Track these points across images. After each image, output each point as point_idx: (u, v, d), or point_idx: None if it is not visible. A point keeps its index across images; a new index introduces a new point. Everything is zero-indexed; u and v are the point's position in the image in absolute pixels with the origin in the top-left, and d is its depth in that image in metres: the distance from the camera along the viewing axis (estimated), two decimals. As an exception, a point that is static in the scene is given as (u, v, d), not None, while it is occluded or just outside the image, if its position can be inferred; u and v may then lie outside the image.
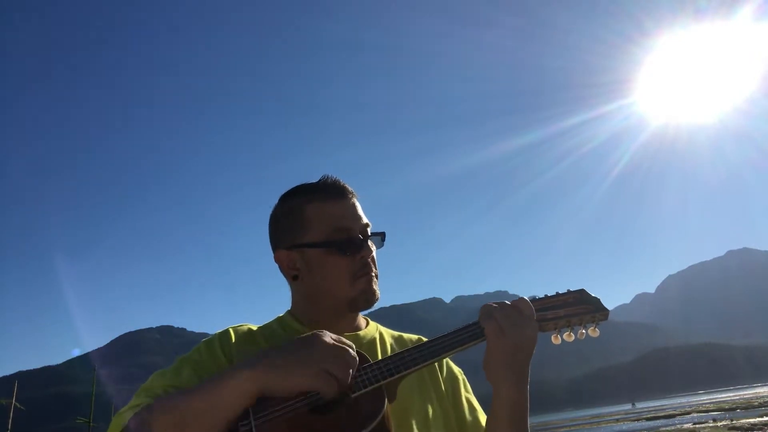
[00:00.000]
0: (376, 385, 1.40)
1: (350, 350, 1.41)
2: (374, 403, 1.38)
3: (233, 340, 1.58)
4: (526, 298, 1.54)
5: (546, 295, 1.59)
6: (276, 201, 1.71)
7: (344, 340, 1.43)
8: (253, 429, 1.32)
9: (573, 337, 1.54)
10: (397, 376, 1.43)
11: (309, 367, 1.35)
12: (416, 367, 1.45)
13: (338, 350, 1.39)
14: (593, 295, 1.57)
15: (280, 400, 1.36)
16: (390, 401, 1.41)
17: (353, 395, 1.38)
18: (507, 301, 1.52)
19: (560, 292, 1.59)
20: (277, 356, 1.38)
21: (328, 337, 1.41)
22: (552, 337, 1.53)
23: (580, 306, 1.55)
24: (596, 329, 1.53)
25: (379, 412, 1.36)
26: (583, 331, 1.53)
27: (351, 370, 1.38)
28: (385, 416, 1.37)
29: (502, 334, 1.46)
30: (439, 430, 1.60)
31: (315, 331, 1.44)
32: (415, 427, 1.54)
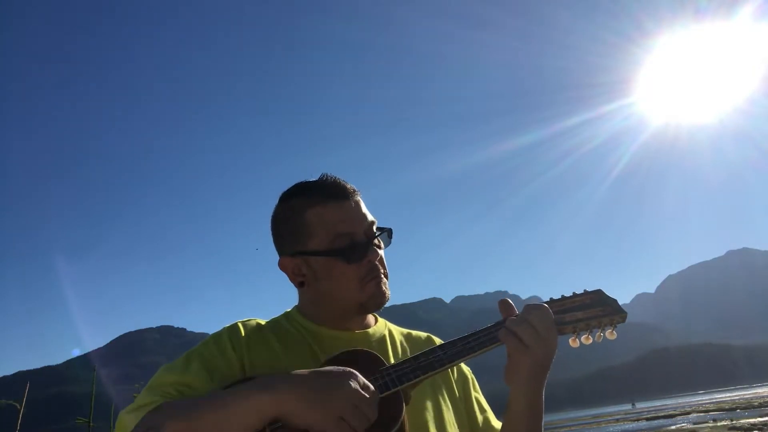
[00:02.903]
0: (394, 390, 1.38)
1: (373, 403, 1.35)
2: (393, 408, 1.36)
3: (242, 334, 1.55)
4: (545, 305, 1.47)
5: (563, 296, 1.55)
6: (275, 201, 1.66)
7: (370, 386, 1.36)
8: None
9: (591, 340, 1.50)
10: (414, 381, 1.41)
11: (330, 410, 1.30)
12: (434, 372, 1.43)
13: (362, 400, 1.33)
14: (610, 296, 1.53)
15: None
16: (406, 404, 1.40)
17: None
18: (531, 310, 1.45)
19: (577, 292, 1.56)
20: (301, 386, 1.33)
21: (356, 381, 1.35)
22: (570, 341, 1.50)
23: (598, 308, 1.51)
24: (614, 332, 1.50)
25: (399, 416, 1.35)
26: (601, 333, 1.50)
27: (368, 423, 1.34)
28: (403, 422, 1.36)
29: (526, 349, 1.42)
30: (453, 430, 1.58)
31: (346, 370, 1.37)
32: (431, 427, 1.53)
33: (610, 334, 1.50)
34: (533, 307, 1.47)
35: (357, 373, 1.37)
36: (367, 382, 1.37)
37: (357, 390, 1.33)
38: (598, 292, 1.54)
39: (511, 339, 1.43)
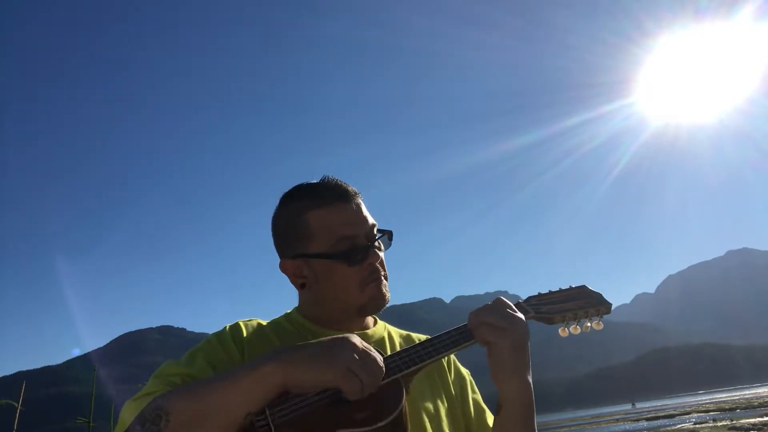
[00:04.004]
0: (394, 377, 1.40)
1: (378, 360, 1.36)
2: (394, 395, 1.37)
3: (244, 333, 1.58)
4: (502, 297, 1.53)
5: (550, 291, 1.62)
6: (276, 201, 1.65)
7: (372, 349, 1.38)
8: (271, 424, 1.29)
9: (579, 330, 1.56)
10: (413, 368, 1.43)
11: (336, 365, 1.31)
12: (432, 359, 1.45)
13: (367, 355, 1.35)
14: (595, 290, 1.62)
15: (296, 395, 1.33)
16: (406, 393, 1.41)
17: None
18: (488, 302, 1.51)
19: (563, 287, 1.63)
20: (304, 351, 1.35)
21: (358, 340, 1.38)
22: (559, 330, 1.56)
23: (583, 300, 1.59)
24: (600, 322, 1.58)
25: (400, 402, 1.36)
26: (588, 324, 1.57)
27: (376, 379, 1.34)
28: (404, 408, 1.37)
29: (503, 332, 1.44)
30: (449, 428, 1.60)
31: (346, 335, 1.39)
32: (427, 424, 1.55)
33: (597, 325, 1.57)
34: (492, 301, 1.52)
35: (353, 335, 1.39)
36: (364, 342, 1.38)
37: (358, 344, 1.36)
38: (583, 287, 1.63)
39: (483, 327, 1.45)
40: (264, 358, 1.34)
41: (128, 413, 1.36)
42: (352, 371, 1.31)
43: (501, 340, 1.44)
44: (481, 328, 1.45)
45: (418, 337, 1.76)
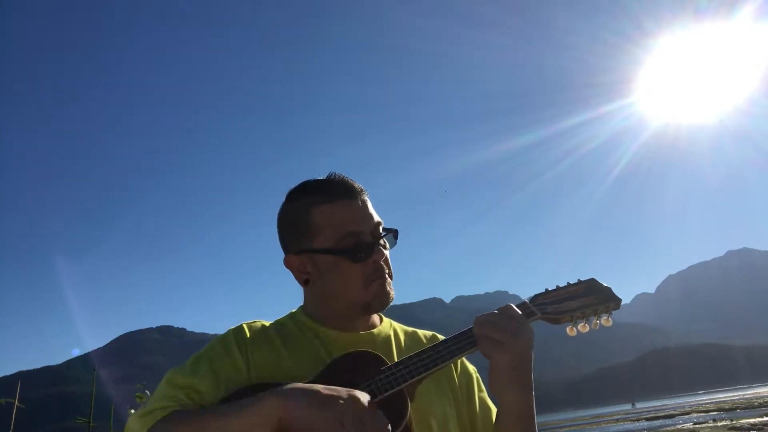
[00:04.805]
0: (398, 388, 1.40)
1: (373, 417, 1.32)
2: (399, 406, 1.38)
3: (248, 335, 1.57)
4: (511, 304, 1.50)
5: (557, 287, 1.57)
6: (277, 200, 1.65)
7: (375, 410, 1.34)
8: None
9: (588, 328, 1.52)
10: (417, 378, 1.43)
11: (330, 414, 1.30)
12: (438, 367, 1.45)
13: (363, 412, 1.32)
14: (604, 284, 1.57)
15: None
16: (411, 401, 1.42)
17: (375, 399, 1.37)
18: (495, 311, 1.48)
19: (571, 282, 1.58)
20: (306, 392, 1.34)
21: (361, 395, 1.35)
22: (567, 329, 1.52)
23: (592, 296, 1.54)
24: (609, 319, 1.53)
25: (405, 414, 1.37)
26: (597, 321, 1.52)
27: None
28: (409, 418, 1.39)
29: (501, 346, 1.42)
30: (455, 428, 1.59)
31: (354, 392, 1.35)
32: (434, 426, 1.54)
33: (606, 321, 1.53)
34: (499, 309, 1.50)
35: (362, 393, 1.37)
36: (368, 400, 1.35)
37: (359, 401, 1.34)
38: (592, 281, 1.58)
39: (484, 340, 1.44)
40: (268, 393, 1.34)
41: (134, 429, 1.36)
42: (343, 426, 1.29)
43: (500, 356, 1.43)
44: (483, 340, 1.44)
45: (424, 334, 1.75)
